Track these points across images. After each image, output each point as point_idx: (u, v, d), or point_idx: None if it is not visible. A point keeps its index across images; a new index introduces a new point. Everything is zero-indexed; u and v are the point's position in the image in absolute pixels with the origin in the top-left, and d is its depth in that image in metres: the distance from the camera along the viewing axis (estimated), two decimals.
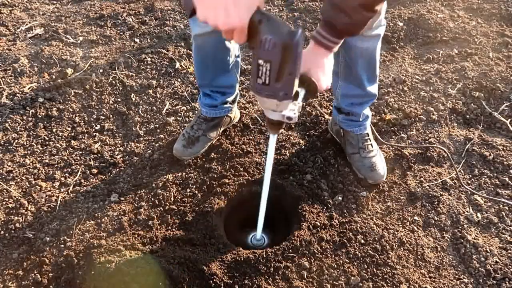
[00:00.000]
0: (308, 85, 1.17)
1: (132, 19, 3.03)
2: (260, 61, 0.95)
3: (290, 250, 1.54)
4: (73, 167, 1.95)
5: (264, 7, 1.01)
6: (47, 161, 1.98)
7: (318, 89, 1.19)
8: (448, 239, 1.64)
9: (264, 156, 1.95)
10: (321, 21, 1.22)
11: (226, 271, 1.48)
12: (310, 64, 1.19)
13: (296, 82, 1.01)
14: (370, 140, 1.89)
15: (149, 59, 2.61)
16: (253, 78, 1.00)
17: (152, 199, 1.78)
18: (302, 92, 1.17)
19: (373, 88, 1.80)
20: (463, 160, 1.95)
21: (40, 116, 2.20)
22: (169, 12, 3.11)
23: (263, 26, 0.92)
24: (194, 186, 1.83)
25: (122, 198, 1.79)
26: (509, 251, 1.59)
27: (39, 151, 2.03)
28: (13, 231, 1.68)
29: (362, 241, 1.60)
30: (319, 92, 1.21)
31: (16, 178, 1.90)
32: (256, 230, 1.59)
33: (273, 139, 1.28)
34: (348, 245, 1.58)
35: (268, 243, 1.66)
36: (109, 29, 2.93)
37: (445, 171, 1.90)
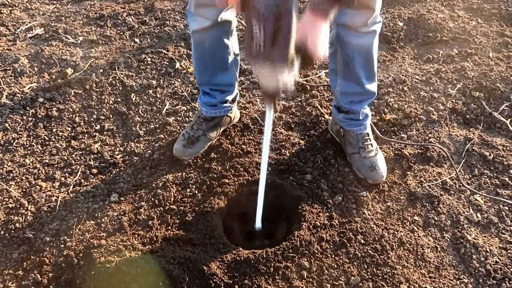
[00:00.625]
0: (304, 53, 1.16)
1: (132, 19, 3.03)
2: (255, 25, 0.95)
3: (290, 250, 1.54)
4: (73, 167, 1.95)
5: None
6: (47, 161, 1.98)
7: (314, 56, 1.17)
8: (448, 239, 1.64)
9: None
10: None
11: (226, 271, 1.48)
12: (307, 31, 1.19)
13: (291, 45, 1.00)
14: (370, 140, 1.89)
15: (149, 59, 2.61)
16: (247, 45, 0.99)
17: (152, 199, 1.78)
18: (297, 61, 1.14)
19: (372, 86, 1.80)
20: (463, 160, 1.95)
21: (40, 116, 2.20)
22: (169, 12, 3.11)
23: None
24: (194, 186, 1.83)
25: (122, 198, 1.79)
26: (509, 251, 1.59)
27: (39, 151, 2.03)
28: (13, 231, 1.68)
29: (362, 241, 1.60)
30: (315, 60, 1.20)
31: (16, 178, 1.90)
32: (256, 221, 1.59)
33: (269, 114, 1.25)
34: (348, 245, 1.58)
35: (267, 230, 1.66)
36: (109, 29, 2.93)
37: (445, 171, 1.90)
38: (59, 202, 1.78)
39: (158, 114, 2.24)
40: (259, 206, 1.53)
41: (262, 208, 1.54)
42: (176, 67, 2.55)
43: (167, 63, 2.59)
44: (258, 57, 1.00)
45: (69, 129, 2.16)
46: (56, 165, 1.96)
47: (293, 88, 1.09)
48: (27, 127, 2.15)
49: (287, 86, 1.08)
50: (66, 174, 1.92)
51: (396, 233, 1.64)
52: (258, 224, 1.60)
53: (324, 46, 1.22)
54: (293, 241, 1.57)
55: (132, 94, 2.36)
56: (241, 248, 1.57)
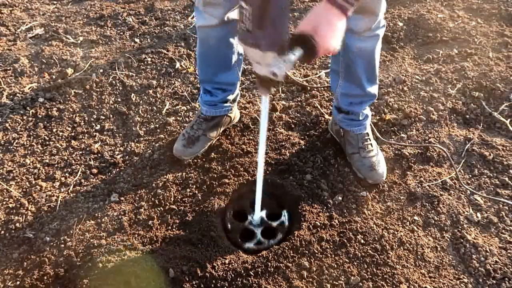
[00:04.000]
0: (308, 44, 1.08)
1: (132, 19, 3.03)
2: (242, 3, 0.91)
3: (290, 250, 1.54)
4: (73, 167, 1.95)
5: None
6: (47, 161, 1.98)
7: (318, 51, 1.09)
8: (448, 239, 1.64)
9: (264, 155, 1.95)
10: None
11: (226, 271, 1.48)
12: (320, 21, 1.11)
13: (281, 32, 0.95)
14: (370, 140, 1.89)
15: (149, 59, 2.61)
16: (238, 25, 0.95)
17: (152, 199, 1.78)
18: (298, 51, 1.08)
19: (373, 89, 1.80)
20: (463, 160, 1.95)
21: (40, 116, 2.21)
22: (169, 12, 3.11)
23: None
24: (194, 186, 1.83)
25: (122, 198, 1.79)
26: (509, 251, 1.59)
27: (39, 151, 2.03)
28: (13, 231, 1.68)
29: (362, 241, 1.60)
30: (318, 55, 1.11)
31: (16, 178, 1.90)
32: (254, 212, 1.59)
33: (265, 101, 1.21)
34: (348, 245, 1.58)
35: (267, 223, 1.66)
36: (109, 29, 2.93)
37: (445, 171, 1.90)
38: (59, 202, 1.78)
39: (158, 114, 2.24)
40: (257, 197, 1.52)
41: (261, 200, 1.53)
42: (176, 67, 2.55)
43: (167, 63, 2.59)
44: (246, 38, 0.96)
45: (69, 129, 2.16)
46: (56, 165, 1.96)
47: (283, 77, 1.02)
48: (27, 127, 2.15)
49: (277, 73, 1.02)
50: (66, 174, 1.92)
51: (396, 233, 1.64)
52: (257, 216, 1.59)
53: (337, 42, 1.14)
54: (293, 241, 1.57)
55: (132, 94, 2.36)
56: (241, 249, 1.57)
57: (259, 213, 1.60)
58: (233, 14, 1.65)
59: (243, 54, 1.85)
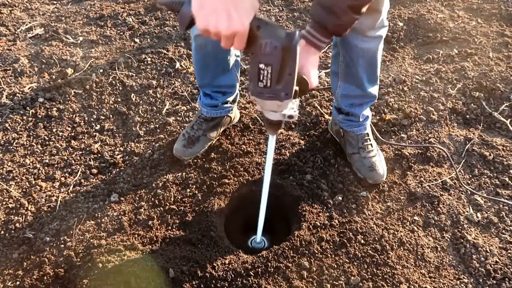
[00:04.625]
0: (300, 83, 1.19)
1: (132, 19, 3.03)
2: (261, 65, 0.98)
3: (290, 250, 1.54)
4: (73, 167, 1.95)
5: (260, 11, 1.04)
6: (47, 161, 1.98)
7: (309, 86, 1.19)
8: (448, 239, 1.64)
9: (264, 156, 1.94)
10: (311, 21, 1.25)
11: (226, 270, 1.48)
12: (302, 62, 1.20)
13: (295, 81, 1.04)
14: (370, 140, 1.89)
15: (149, 59, 2.61)
16: (253, 83, 1.03)
17: (152, 199, 1.78)
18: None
19: (374, 90, 1.80)
20: (463, 160, 1.95)
21: (40, 116, 2.20)
22: (169, 12, 3.11)
23: (262, 30, 0.94)
24: (194, 186, 1.83)
25: (122, 198, 1.79)
26: (509, 251, 1.59)
27: (39, 151, 2.03)
28: (13, 231, 1.68)
29: (362, 241, 1.60)
30: (309, 90, 1.23)
31: (16, 178, 1.90)
32: (256, 233, 1.59)
33: (272, 140, 1.29)
34: (348, 245, 1.58)
35: (268, 246, 1.66)
36: (109, 29, 2.93)
37: (445, 171, 1.90)
38: (59, 202, 1.78)
39: (158, 114, 2.24)
40: (260, 223, 1.53)
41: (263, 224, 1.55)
42: (176, 67, 2.55)
43: (167, 63, 2.59)
44: (264, 93, 1.05)
45: (69, 129, 2.16)
46: (56, 165, 1.96)
47: (297, 117, 1.13)
48: (27, 127, 2.15)
49: (293, 115, 1.12)
50: (66, 174, 1.92)
51: (396, 233, 1.64)
52: (259, 239, 1.61)
53: (316, 76, 1.25)
54: (293, 241, 1.57)
55: (132, 94, 2.36)
56: (240, 251, 1.57)
57: (260, 236, 1.61)
58: None
59: (247, 87, 1.87)
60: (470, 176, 1.89)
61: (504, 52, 2.60)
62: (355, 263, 1.53)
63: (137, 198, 1.79)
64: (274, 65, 0.97)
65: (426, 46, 2.73)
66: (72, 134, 2.13)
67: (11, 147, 2.04)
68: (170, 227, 1.65)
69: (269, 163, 1.34)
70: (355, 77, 1.73)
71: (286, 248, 1.55)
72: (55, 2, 3.29)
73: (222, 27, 0.92)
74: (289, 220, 1.75)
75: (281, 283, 1.46)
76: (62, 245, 1.61)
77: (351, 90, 1.78)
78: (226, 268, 1.49)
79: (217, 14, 0.91)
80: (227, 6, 0.90)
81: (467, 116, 2.18)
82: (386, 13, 1.58)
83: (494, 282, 1.50)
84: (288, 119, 1.13)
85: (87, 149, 2.04)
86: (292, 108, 1.12)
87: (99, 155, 2.00)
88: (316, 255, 1.54)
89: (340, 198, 1.76)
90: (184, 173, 1.89)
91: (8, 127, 2.14)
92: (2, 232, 1.68)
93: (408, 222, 1.69)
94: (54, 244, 1.62)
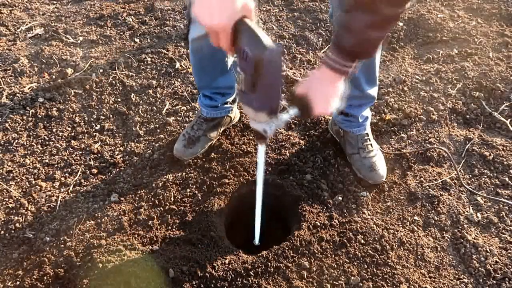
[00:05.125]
0: (302, 105, 1.16)
1: (132, 19, 3.03)
2: (239, 69, 0.98)
3: (290, 250, 1.54)
4: (73, 167, 1.95)
5: (260, 11, 1.03)
6: (47, 161, 1.98)
7: (312, 111, 1.16)
8: (448, 239, 1.64)
9: (264, 156, 1.94)
10: (332, 43, 1.19)
11: (226, 270, 1.48)
12: (311, 85, 1.17)
13: (273, 96, 1.02)
14: (369, 140, 1.89)
15: (149, 59, 2.61)
16: (236, 84, 1.03)
17: (152, 199, 1.78)
18: (293, 111, 1.17)
19: (372, 91, 1.80)
20: (463, 160, 1.95)
21: (40, 116, 2.20)
22: (169, 12, 3.11)
23: (243, 36, 0.93)
24: (194, 186, 1.83)
25: (122, 198, 1.79)
26: (509, 251, 1.59)
27: (39, 151, 2.03)
28: (13, 231, 1.68)
29: (362, 241, 1.60)
30: (314, 116, 1.19)
31: (16, 178, 1.90)
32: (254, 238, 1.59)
33: (261, 150, 1.27)
34: (348, 245, 1.58)
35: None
36: (109, 29, 2.93)
37: (445, 171, 1.90)
38: (59, 202, 1.78)
39: (158, 114, 2.24)
40: (257, 226, 1.53)
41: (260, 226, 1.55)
42: (176, 67, 2.55)
43: (167, 63, 2.59)
44: (241, 97, 1.04)
45: (69, 129, 2.16)
46: (56, 165, 1.96)
47: (271, 135, 1.09)
48: (27, 127, 2.15)
49: (267, 131, 1.09)
50: (66, 174, 1.92)
51: (396, 233, 1.64)
52: (257, 241, 1.61)
53: (329, 103, 1.18)
54: (293, 241, 1.57)
55: (132, 94, 2.36)
56: (240, 251, 1.57)
57: (258, 238, 1.60)
58: None
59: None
60: (470, 176, 1.89)
61: (504, 52, 2.60)
62: (355, 263, 1.53)
63: (137, 198, 1.79)
64: (247, 73, 0.95)
65: (426, 46, 2.73)
66: (72, 134, 2.13)
67: (11, 147, 2.04)
68: (170, 227, 1.65)
69: (261, 172, 1.32)
70: (353, 78, 1.73)
71: (286, 248, 1.55)
72: (55, 2, 3.29)
73: (205, 22, 0.94)
74: (288, 221, 1.75)
75: (281, 283, 1.46)
76: (62, 245, 1.61)
77: (350, 91, 1.78)
78: (226, 268, 1.49)
79: (204, 8, 0.94)
80: (211, 3, 0.92)
81: (467, 116, 2.18)
82: None
83: (494, 282, 1.50)
84: (263, 133, 1.10)
85: (87, 149, 2.04)
86: (270, 124, 1.08)
87: (99, 155, 2.00)
88: (316, 255, 1.54)
89: (340, 198, 1.76)
90: (184, 173, 1.89)
91: (8, 127, 2.14)
92: (2, 232, 1.68)
93: (408, 222, 1.69)
94: (54, 244, 1.62)
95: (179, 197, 1.78)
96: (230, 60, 1.83)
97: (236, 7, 0.93)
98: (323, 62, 1.20)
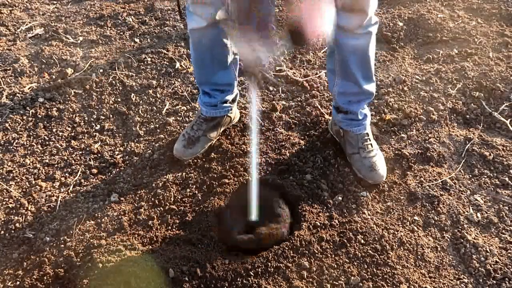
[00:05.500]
0: (296, 32, 1.15)
1: (132, 19, 3.03)
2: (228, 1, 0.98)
3: (290, 250, 1.54)
4: (73, 167, 1.95)
5: None
6: (47, 161, 1.98)
7: (305, 36, 1.16)
8: (448, 239, 1.64)
9: (264, 156, 1.95)
10: None
11: (226, 271, 1.48)
12: (302, 9, 1.18)
13: (269, 26, 1.01)
14: (369, 140, 1.89)
15: (149, 59, 2.61)
16: (232, 8, 1.01)
17: (152, 199, 1.78)
18: (286, 41, 1.15)
19: (370, 87, 1.80)
20: (463, 160, 1.95)
21: (40, 116, 2.20)
22: (169, 12, 3.11)
23: None
24: (194, 186, 1.83)
25: (122, 198, 1.79)
26: (509, 251, 1.59)
27: (39, 151, 2.03)
28: (13, 231, 1.68)
29: (362, 241, 1.60)
30: (306, 40, 1.17)
31: (16, 178, 1.90)
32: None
33: (253, 91, 1.25)
34: (348, 245, 1.58)
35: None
36: (109, 29, 2.93)
37: (445, 171, 1.90)
38: (59, 202, 1.78)
39: (158, 114, 2.24)
40: (253, 201, 1.51)
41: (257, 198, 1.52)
42: (176, 67, 2.55)
43: (167, 63, 2.59)
44: (235, 29, 1.02)
45: (69, 129, 2.16)
46: (56, 165, 1.96)
47: (268, 63, 1.09)
48: (27, 127, 2.15)
49: (263, 61, 1.07)
50: (66, 174, 1.92)
51: (396, 233, 1.64)
52: (253, 216, 1.58)
53: (324, 23, 1.20)
54: (293, 241, 1.57)
55: (132, 94, 2.36)
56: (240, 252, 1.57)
57: (254, 213, 1.58)
58: (223, 14, 1.67)
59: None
60: (470, 176, 1.89)
61: (504, 52, 2.60)
62: (355, 263, 1.53)
63: (137, 198, 1.79)
64: (241, 3, 0.95)
65: (426, 46, 2.73)
66: (72, 134, 2.13)
67: (11, 147, 2.04)
68: (170, 227, 1.65)
69: (254, 121, 1.29)
70: (349, 74, 1.74)
71: (286, 248, 1.55)
72: (55, 2, 3.29)
73: None
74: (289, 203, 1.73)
75: (281, 283, 1.46)
76: (62, 245, 1.61)
77: (348, 87, 1.79)
78: (226, 268, 1.49)
79: None
80: None
81: (467, 116, 2.18)
82: (373, 12, 1.60)
83: (494, 282, 1.50)
84: (259, 63, 1.07)
85: (87, 149, 2.04)
86: (267, 53, 1.07)
87: (99, 155, 2.00)
88: (316, 255, 1.54)
89: (340, 198, 1.76)
90: (184, 173, 1.89)
91: (8, 127, 2.14)
92: (2, 232, 1.68)
93: (408, 222, 1.69)
94: (54, 244, 1.62)
95: (179, 197, 1.78)
96: (230, 56, 1.83)
97: None
98: None
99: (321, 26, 1.20)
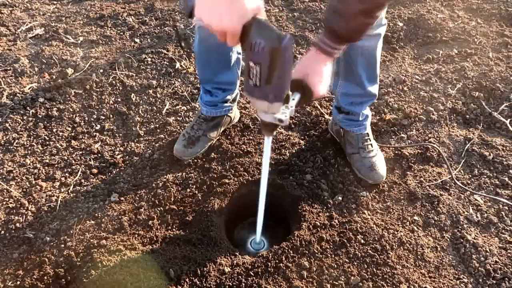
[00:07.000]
0: (304, 91, 1.20)
1: (132, 19, 3.03)
2: (251, 63, 0.98)
3: (290, 250, 1.54)
4: (73, 167, 1.95)
5: (264, 8, 1.03)
6: (47, 161, 1.98)
7: (313, 95, 1.20)
8: (448, 239, 1.64)
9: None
10: (323, 28, 1.24)
11: (226, 271, 1.48)
12: (309, 70, 1.21)
13: (287, 85, 1.03)
14: (370, 140, 1.89)
15: (149, 59, 2.61)
16: (245, 79, 1.03)
17: (152, 199, 1.78)
18: (296, 96, 1.19)
19: (374, 88, 1.80)
20: (463, 160, 1.95)
21: (40, 116, 2.21)
22: (169, 12, 3.11)
23: (253, 29, 0.95)
24: (194, 186, 1.83)
25: (122, 198, 1.79)
26: (509, 251, 1.59)
27: (39, 151, 2.03)
28: (13, 231, 1.68)
29: (362, 241, 1.60)
30: (315, 99, 1.22)
31: (17, 178, 1.90)
32: (256, 234, 1.59)
33: (268, 141, 1.28)
34: (348, 245, 1.58)
35: (268, 247, 1.65)
36: (109, 29, 2.93)
37: (445, 171, 1.90)
38: (59, 202, 1.78)
39: (158, 114, 2.24)
40: (259, 224, 1.53)
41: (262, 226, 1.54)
42: (176, 67, 2.55)
43: (167, 63, 2.59)
44: (254, 92, 1.04)
45: (69, 129, 2.16)
46: (56, 165, 1.96)
47: (288, 122, 1.12)
48: (27, 127, 2.15)
49: (283, 120, 1.11)
50: (66, 174, 1.92)
51: (396, 233, 1.64)
52: (258, 239, 1.61)
53: (326, 85, 1.23)
54: (293, 241, 1.57)
55: (132, 94, 2.36)
56: (239, 253, 1.57)
57: (260, 236, 1.60)
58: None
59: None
60: (470, 176, 1.89)
61: (504, 52, 2.60)
62: (355, 263, 1.53)
63: (137, 198, 1.79)
64: (262, 65, 0.96)
65: (426, 46, 2.73)
66: (72, 134, 2.13)
67: (11, 147, 2.04)
68: (170, 227, 1.65)
69: (266, 165, 1.33)
70: (354, 76, 1.74)
71: (286, 248, 1.55)
72: (55, 2, 3.29)
73: (213, 24, 0.94)
74: (289, 220, 1.75)
75: (281, 283, 1.46)
76: (62, 245, 1.61)
77: (351, 88, 1.79)
78: (226, 267, 1.49)
79: (210, 11, 0.94)
80: (220, 8, 0.92)
81: (467, 116, 2.18)
82: (384, 12, 1.59)
83: (494, 282, 1.50)
84: (279, 122, 1.12)
85: (87, 149, 2.04)
86: (284, 112, 1.11)
87: (99, 155, 2.01)
88: (316, 255, 1.54)
89: (340, 198, 1.76)
90: (184, 173, 1.89)
91: (8, 127, 2.14)
92: (2, 232, 1.68)
93: (408, 222, 1.69)
94: (54, 244, 1.62)
95: (179, 197, 1.78)
96: (234, 56, 1.83)
97: (247, 10, 0.93)
98: (315, 45, 1.24)
99: (326, 83, 1.24)
